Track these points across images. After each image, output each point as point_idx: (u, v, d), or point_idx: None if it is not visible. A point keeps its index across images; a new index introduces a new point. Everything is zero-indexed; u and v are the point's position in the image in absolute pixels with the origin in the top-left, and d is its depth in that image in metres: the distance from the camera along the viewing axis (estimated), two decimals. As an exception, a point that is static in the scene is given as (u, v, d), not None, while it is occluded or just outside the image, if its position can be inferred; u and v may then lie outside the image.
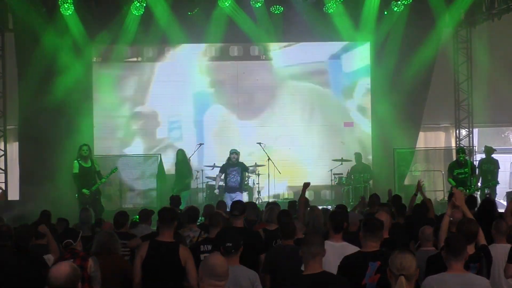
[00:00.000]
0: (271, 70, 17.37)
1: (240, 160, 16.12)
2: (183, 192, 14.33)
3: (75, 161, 13.13)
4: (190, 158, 15.26)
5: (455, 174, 13.39)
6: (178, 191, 13.96)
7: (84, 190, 12.94)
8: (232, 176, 14.19)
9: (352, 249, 5.93)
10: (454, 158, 17.58)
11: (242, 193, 14.42)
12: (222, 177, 14.36)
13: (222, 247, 5.73)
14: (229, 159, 14.32)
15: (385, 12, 16.45)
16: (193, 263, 5.98)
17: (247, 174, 15.62)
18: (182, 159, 15.04)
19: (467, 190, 12.99)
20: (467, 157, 13.86)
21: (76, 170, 13.08)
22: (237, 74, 17.36)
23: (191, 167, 15.28)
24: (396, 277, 4.28)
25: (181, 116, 17.18)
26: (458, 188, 11.71)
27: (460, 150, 13.93)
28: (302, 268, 5.87)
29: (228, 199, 13.16)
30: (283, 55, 17.44)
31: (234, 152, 14.34)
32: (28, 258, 6.01)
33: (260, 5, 15.84)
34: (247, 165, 15.87)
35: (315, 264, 4.83)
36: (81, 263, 5.75)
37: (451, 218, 6.16)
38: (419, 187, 10.01)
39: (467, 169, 13.32)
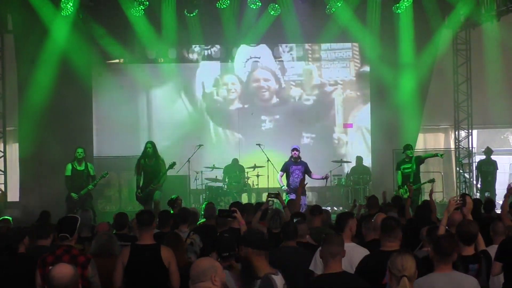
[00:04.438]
0: (269, 71, 17.39)
1: (240, 162, 16.17)
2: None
3: (69, 163, 12.89)
4: (190, 160, 15.14)
5: (402, 169, 13.58)
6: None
7: (73, 194, 12.66)
8: (296, 175, 12.75)
9: (361, 250, 5.96)
10: (453, 159, 17.61)
11: (305, 196, 12.69)
12: (283, 176, 12.88)
13: (219, 256, 5.83)
14: (291, 156, 13.00)
15: (386, 14, 16.48)
16: (175, 263, 6.00)
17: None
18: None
19: (413, 186, 12.74)
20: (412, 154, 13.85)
21: (68, 173, 12.84)
22: (236, 75, 17.38)
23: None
24: (397, 278, 4.33)
25: (180, 117, 17.22)
26: (405, 185, 12.96)
27: (408, 146, 13.87)
28: (311, 268, 5.90)
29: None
30: (282, 55, 17.48)
31: (295, 149, 13.01)
32: (18, 259, 6.01)
33: (255, 7, 15.79)
34: (245, 166, 15.88)
35: (336, 264, 4.83)
36: (82, 272, 5.55)
37: (447, 227, 6.19)
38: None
39: (411, 164, 13.46)
